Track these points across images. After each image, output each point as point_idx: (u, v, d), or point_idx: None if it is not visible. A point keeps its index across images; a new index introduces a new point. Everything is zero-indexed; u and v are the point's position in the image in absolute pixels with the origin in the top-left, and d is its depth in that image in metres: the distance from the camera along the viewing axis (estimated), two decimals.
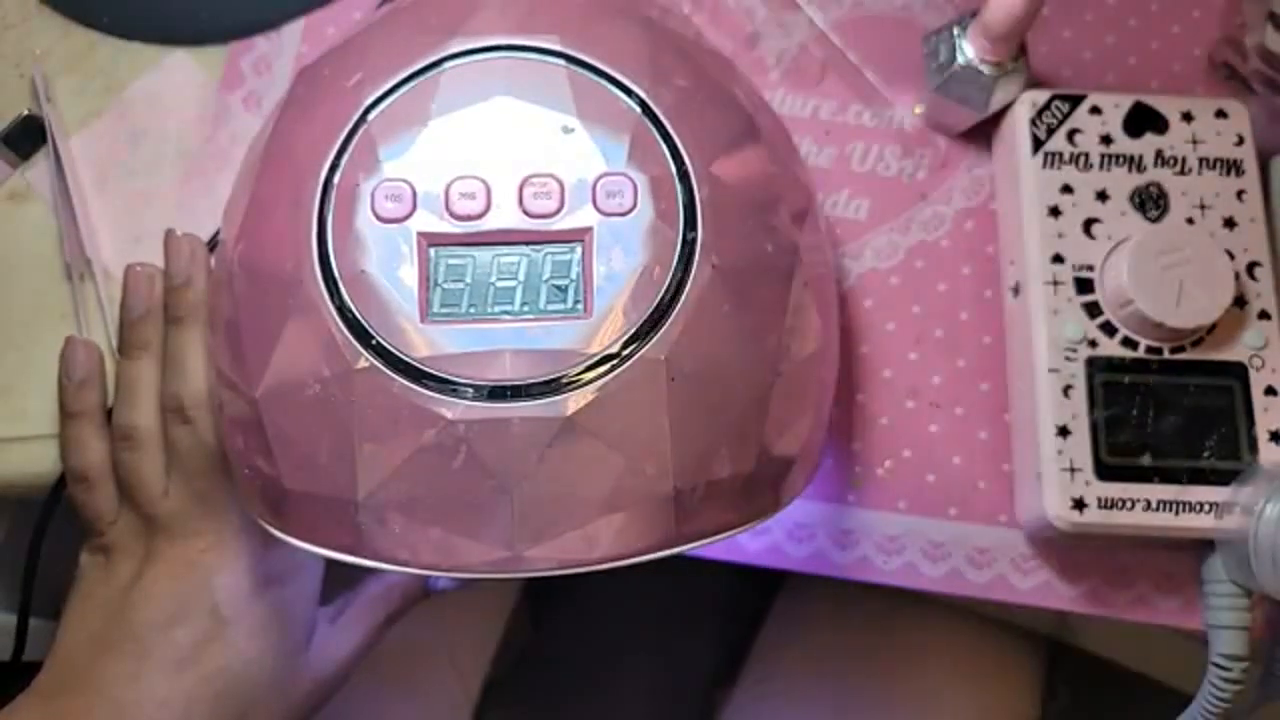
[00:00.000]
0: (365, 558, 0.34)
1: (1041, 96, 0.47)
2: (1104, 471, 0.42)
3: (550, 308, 0.34)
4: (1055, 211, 0.45)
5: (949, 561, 0.46)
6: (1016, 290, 0.46)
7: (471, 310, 0.34)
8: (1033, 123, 0.46)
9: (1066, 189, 0.45)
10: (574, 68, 0.36)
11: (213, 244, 0.46)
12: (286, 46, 0.52)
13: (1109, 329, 0.43)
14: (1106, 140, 0.46)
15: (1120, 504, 0.42)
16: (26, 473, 0.47)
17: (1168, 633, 0.47)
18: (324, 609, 0.46)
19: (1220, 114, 0.46)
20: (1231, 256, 0.44)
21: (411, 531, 0.33)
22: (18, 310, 0.48)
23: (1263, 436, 0.42)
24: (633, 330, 0.33)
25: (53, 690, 0.41)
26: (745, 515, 0.36)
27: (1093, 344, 0.43)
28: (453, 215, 0.34)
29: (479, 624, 0.67)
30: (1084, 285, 0.44)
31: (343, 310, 0.33)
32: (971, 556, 0.46)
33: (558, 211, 0.34)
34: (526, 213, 0.34)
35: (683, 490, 0.33)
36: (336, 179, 0.35)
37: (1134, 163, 0.46)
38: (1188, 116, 0.46)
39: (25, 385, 0.47)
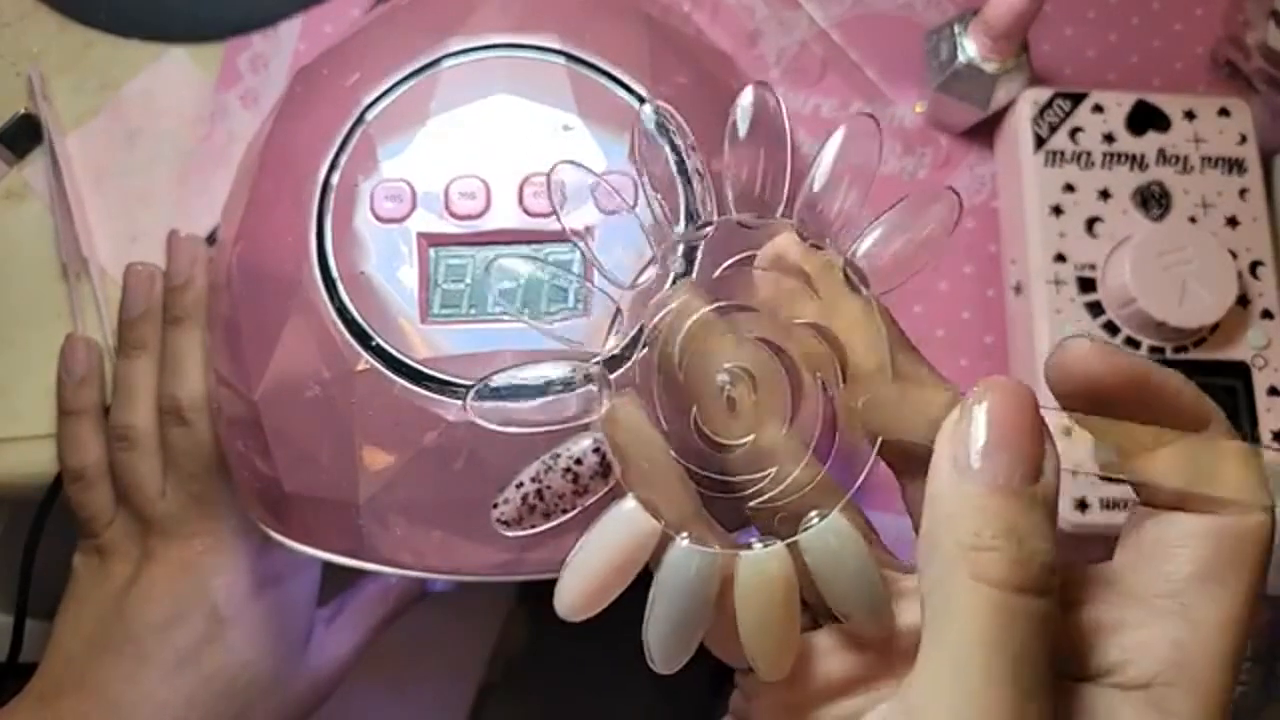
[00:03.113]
0: (366, 561, 0.33)
1: (1043, 94, 0.46)
2: None
3: (551, 308, 0.34)
4: (1057, 210, 0.45)
5: None
6: (1019, 289, 0.46)
7: (472, 311, 0.33)
8: (1035, 121, 0.46)
9: (1069, 187, 0.45)
10: (574, 65, 0.36)
11: (210, 240, 0.45)
12: (283, 44, 0.51)
13: (1111, 328, 0.43)
14: (1109, 138, 0.46)
15: (1123, 504, 0.41)
16: (21, 473, 0.46)
17: None
18: (321, 610, 0.46)
19: (1223, 112, 0.46)
20: (1234, 255, 0.43)
21: (413, 534, 0.33)
22: (13, 309, 0.48)
23: (1266, 436, 0.42)
24: (634, 330, 0.33)
25: (49, 692, 0.41)
26: (748, 516, 0.35)
27: None
28: (452, 215, 0.34)
29: (475, 625, 0.67)
30: (1086, 284, 0.44)
31: (342, 311, 0.33)
32: None
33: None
34: (527, 212, 0.34)
35: None
36: (335, 179, 0.35)
37: (1136, 161, 0.45)
38: (1190, 115, 0.46)
39: (20, 385, 0.47)
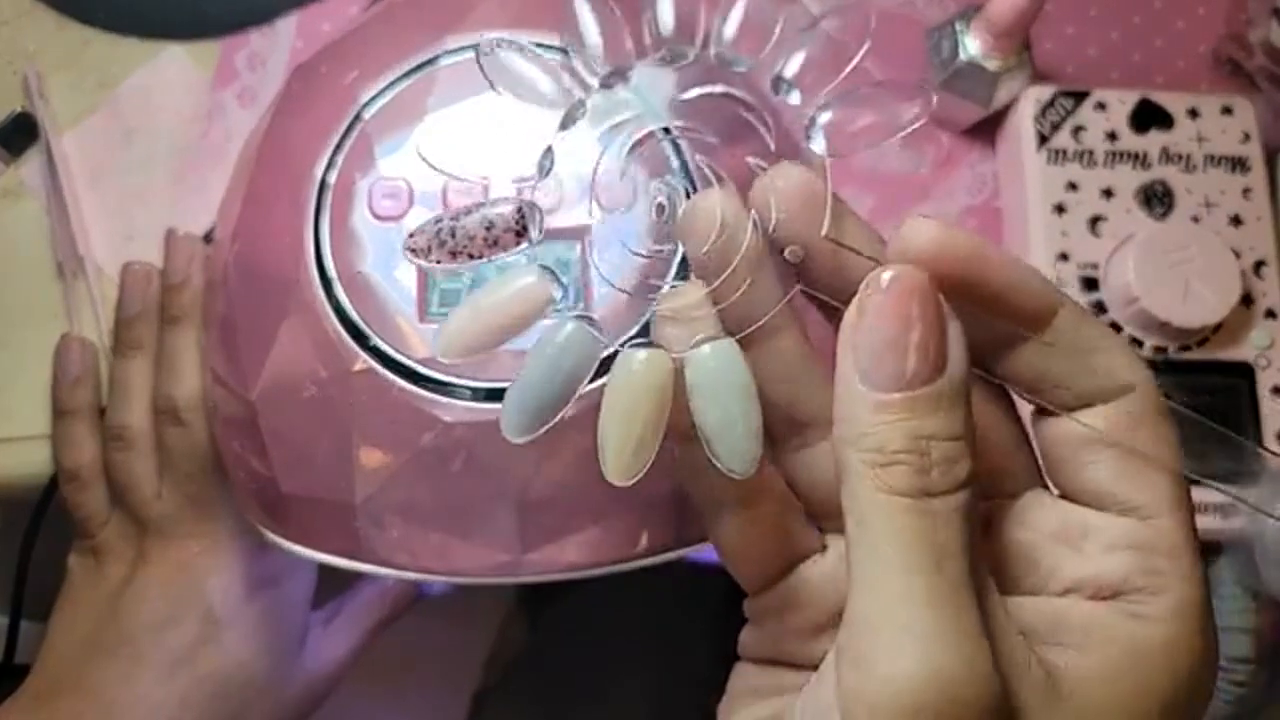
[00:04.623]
0: (363, 562, 0.33)
1: (1046, 93, 0.46)
2: None
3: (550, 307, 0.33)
4: (1060, 209, 0.44)
5: None
6: None
7: None
8: (1037, 119, 0.46)
9: (1071, 186, 0.45)
10: None
11: (207, 239, 0.45)
12: (281, 42, 0.51)
13: (1115, 328, 0.43)
14: (1112, 137, 0.45)
15: None
16: (16, 474, 0.46)
17: None
18: (317, 612, 0.46)
19: (1226, 110, 0.46)
20: (1237, 255, 0.43)
21: (410, 535, 0.32)
22: (9, 309, 0.48)
23: (1269, 436, 0.42)
24: (633, 330, 0.33)
25: (44, 693, 0.41)
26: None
27: None
28: None
29: (471, 629, 0.67)
30: (1089, 284, 0.44)
31: (339, 311, 0.33)
32: None
33: (557, 209, 0.34)
34: None
35: (684, 492, 0.33)
36: (332, 177, 0.34)
37: (1139, 159, 0.45)
38: (1193, 113, 0.46)
39: (15, 385, 0.47)
